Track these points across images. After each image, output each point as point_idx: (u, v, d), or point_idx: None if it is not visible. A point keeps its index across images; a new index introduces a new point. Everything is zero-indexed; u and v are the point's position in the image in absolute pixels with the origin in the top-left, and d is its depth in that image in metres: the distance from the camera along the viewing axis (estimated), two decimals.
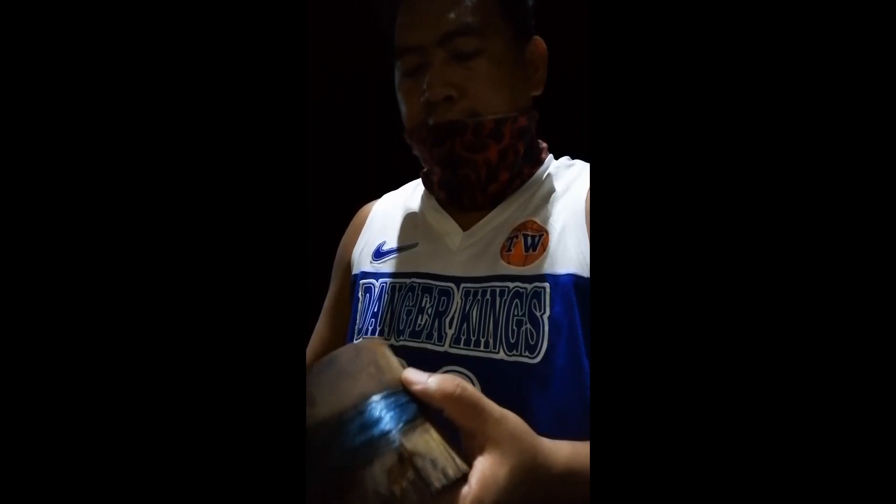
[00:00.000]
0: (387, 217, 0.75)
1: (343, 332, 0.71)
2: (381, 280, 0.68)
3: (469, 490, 0.35)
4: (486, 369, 0.57)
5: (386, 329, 0.64)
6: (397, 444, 0.34)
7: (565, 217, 0.62)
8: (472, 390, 0.38)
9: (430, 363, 0.59)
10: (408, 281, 0.66)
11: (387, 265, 0.69)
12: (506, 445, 0.38)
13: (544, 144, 0.71)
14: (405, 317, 0.63)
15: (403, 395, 0.37)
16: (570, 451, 0.43)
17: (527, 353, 0.57)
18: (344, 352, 0.38)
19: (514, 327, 0.58)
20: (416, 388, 0.38)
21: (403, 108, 0.65)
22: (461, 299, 0.62)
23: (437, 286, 0.64)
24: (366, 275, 0.71)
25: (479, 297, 0.61)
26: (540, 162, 0.69)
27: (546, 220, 0.63)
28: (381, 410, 0.36)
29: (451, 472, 0.35)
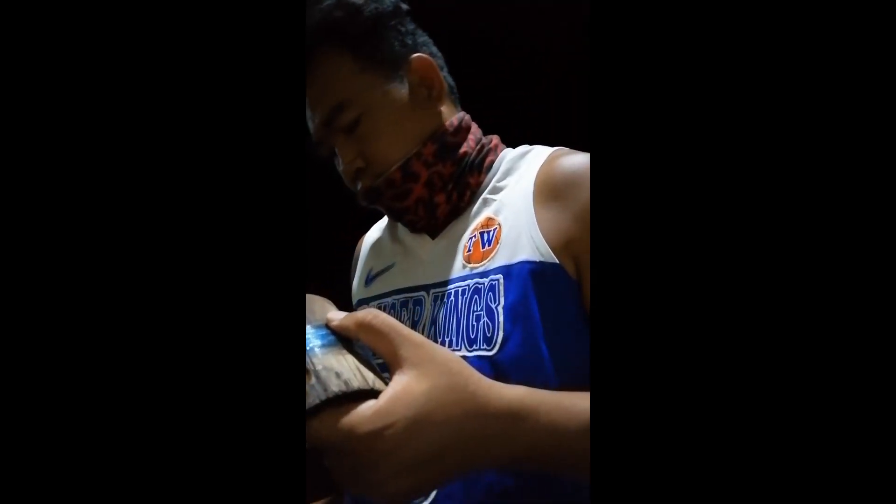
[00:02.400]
0: (374, 245, 0.79)
1: None
2: (370, 304, 0.72)
3: (376, 402, 0.35)
4: None
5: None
6: (308, 359, 0.36)
7: (517, 206, 0.62)
8: (387, 317, 0.39)
9: None
10: (389, 300, 0.69)
11: (373, 289, 0.73)
12: (425, 367, 0.37)
13: (494, 141, 0.71)
14: None
15: (327, 330, 0.40)
16: (521, 393, 0.40)
17: (484, 346, 0.57)
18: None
19: (474, 322, 0.59)
20: (334, 322, 0.40)
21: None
22: (431, 305, 0.64)
23: (411, 298, 0.67)
24: (360, 301, 0.75)
25: (444, 300, 0.63)
26: (489, 164, 0.69)
27: (500, 213, 0.64)
28: (310, 335, 0.38)
29: (354, 383, 0.36)
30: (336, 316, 0.40)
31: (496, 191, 0.67)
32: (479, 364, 0.56)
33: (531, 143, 0.71)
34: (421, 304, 0.65)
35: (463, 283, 0.62)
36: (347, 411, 0.35)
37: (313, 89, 0.65)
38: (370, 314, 0.39)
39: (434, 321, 0.62)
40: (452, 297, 0.62)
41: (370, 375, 0.37)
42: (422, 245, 0.70)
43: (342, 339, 0.40)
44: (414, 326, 0.63)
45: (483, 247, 0.63)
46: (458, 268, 0.64)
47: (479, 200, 0.67)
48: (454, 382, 0.38)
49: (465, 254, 0.64)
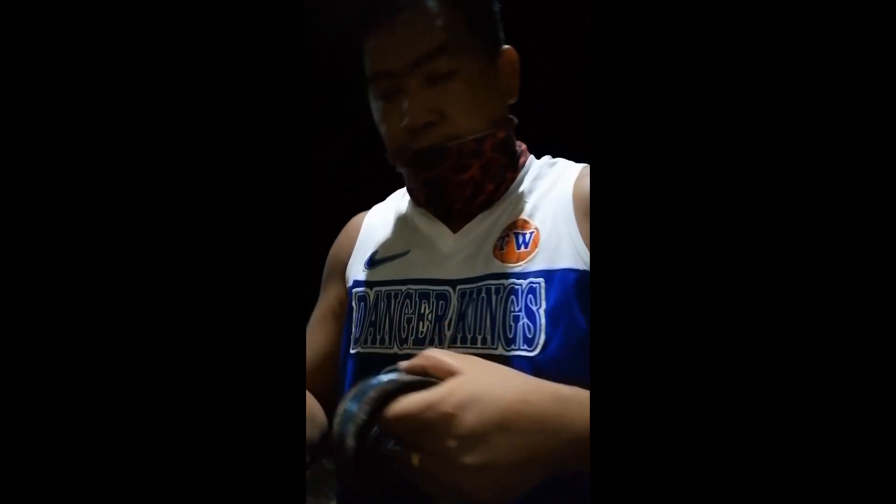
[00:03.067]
0: (378, 227, 0.77)
1: (337, 342, 0.72)
2: (374, 289, 0.70)
3: (442, 383, 0.41)
4: None
5: (387, 338, 0.65)
6: (387, 378, 0.43)
7: (554, 213, 0.64)
8: (439, 351, 0.45)
9: None
10: (404, 288, 0.67)
11: (380, 274, 0.71)
12: (478, 364, 0.44)
13: (523, 146, 0.73)
14: (406, 325, 0.64)
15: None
16: (564, 386, 0.45)
17: (525, 347, 0.57)
18: None
19: (512, 323, 0.59)
20: (403, 364, 0.45)
21: (383, 131, 0.66)
22: (458, 301, 0.63)
23: (433, 290, 0.65)
24: (358, 284, 0.72)
25: (474, 296, 0.62)
26: (521, 164, 0.71)
27: (535, 217, 0.65)
28: (380, 376, 0.44)
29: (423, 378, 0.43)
30: (403, 363, 0.46)
31: (527, 193, 0.68)
32: (519, 364, 0.56)
33: (532, 143, 0.73)
34: (446, 298, 0.64)
35: (497, 282, 0.62)
36: (420, 392, 0.40)
37: (414, 27, 0.61)
38: (429, 352, 0.45)
39: (462, 317, 0.62)
40: (485, 295, 0.62)
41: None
42: (441, 236, 0.69)
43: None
44: (438, 321, 0.63)
45: (519, 248, 0.63)
46: (489, 266, 0.63)
47: (508, 200, 0.68)
48: (506, 371, 0.45)
49: (498, 252, 0.64)
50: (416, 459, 0.40)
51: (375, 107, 0.67)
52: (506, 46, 0.69)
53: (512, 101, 0.69)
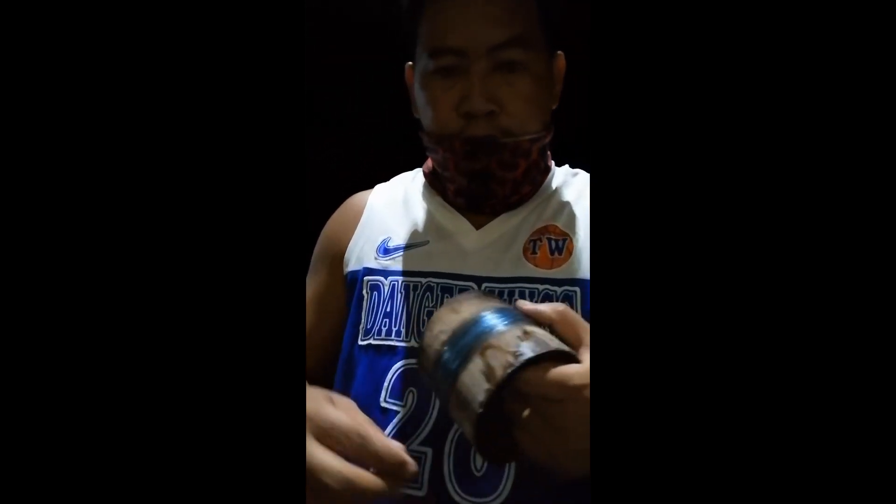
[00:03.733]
0: (387, 211, 0.73)
1: (330, 325, 0.69)
2: (390, 278, 0.66)
3: (582, 365, 0.40)
4: None
5: (404, 330, 0.63)
6: (521, 324, 0.42)
7: (584, 224, 0.64)
8: (575, 313, 0.45)
9: None
10: (424, 280, 0.64)
11: (396, 263, 0.67)
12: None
13: (548, 151, 0.73)
14: (426, 318, 0.62)
15: (509, 313, 0.45)
16: None
17: None
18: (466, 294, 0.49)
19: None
20: (527, 306, 0.45)
21: (431, 110, 0.63)
22: None
23: (456, 286, 0.63)
24: (371, 271, 0.68)
25: (504, 297, 0.60)
26: (548, 169, 0.71)
27: (566, 225, 0.65)
28: (496, 318, 0.43)
29: (565, 347, 0.42)
30: (525, 303, 0.46)
31: (553, 199, 0.68)
32: None
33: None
34: None
35: (531, 286, 0.60)
36: (559, 366, 0.40)
37: (497, 10, 0.59)
38: (563, 307, 0.45)
39: None
40: (517, 297, 0.60)
41: (565, 345, 0.43)
42: (463, 231, 0.67)
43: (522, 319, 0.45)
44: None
45: (552, 253, 0.62)
46: (520, 268, 0.62)
47: (534, 203, 0.67)
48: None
49: (530, 255, 0.63)
50: (526, 413, 0.40)
51: (427, 82, 0.63)
52: (559, 52, 0.68)
53: (554, 107, 0.68)
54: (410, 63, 0.68)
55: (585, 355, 0.42)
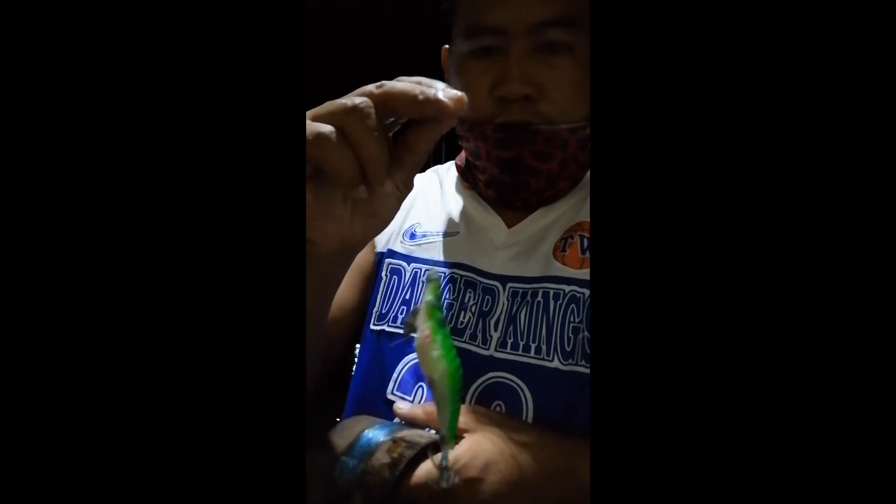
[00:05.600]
0: (419, 197, 0.69)
1: (356, 300, 0.65)
2: (412, 265, 0.62)
3: (459, 446, 0.42)
4: (539, 377, 0.53)
5: None
6: (390, 437, 0.45)
7: None
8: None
9: (474, 367, 0.55)
10: (448, 272, 0.61)
11: (422, 250, 0.63)
12: (483, 428, 0.45)
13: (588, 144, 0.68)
14: (446, 311, 0.59)
15: (387, 424, 0.49)
16: (554, 452, 0.46)
17: (583, 363, 0.52)
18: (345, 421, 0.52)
19: (571, 335, 0.53)
20: (403, 411, 0.49)
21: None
22: (507, 300, 0.57)
23: (481, 283, 0.59)
24: (395, 254, 0.64)
25: (528, 298, 0.56)
26: (587, 164, 0.64)
27: None
28: (374, 431, 0.47)
29: (433, 436, 0.44)
30: (401, 408, 0.50)
31: (586, 197, 0.62)
32: (577, 381, 0.52)
33: None
34: (494, 294, 0.58)
35: (556, 287, 0.56)
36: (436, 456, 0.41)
37: None
38: (431, 407, 0.47)
39: (513, 320, 0.56)
40: (541, 299, 0.56)
41: (434, 434, 0.46)
42: (495, 227, 0.62)
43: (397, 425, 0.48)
44: (483, 317, 0.57)
45: (583, 253, 0.57)
46: (548, 267, 0.58)
47: (571, 200, 0.62)
48: (509, 423, 0.47)
49: (559, 253, 0.58)
50: None
51: (462, 63, 0.58)
52: None
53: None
54: (447, 46, 0.64)
55: (467, 441, 0.43)
